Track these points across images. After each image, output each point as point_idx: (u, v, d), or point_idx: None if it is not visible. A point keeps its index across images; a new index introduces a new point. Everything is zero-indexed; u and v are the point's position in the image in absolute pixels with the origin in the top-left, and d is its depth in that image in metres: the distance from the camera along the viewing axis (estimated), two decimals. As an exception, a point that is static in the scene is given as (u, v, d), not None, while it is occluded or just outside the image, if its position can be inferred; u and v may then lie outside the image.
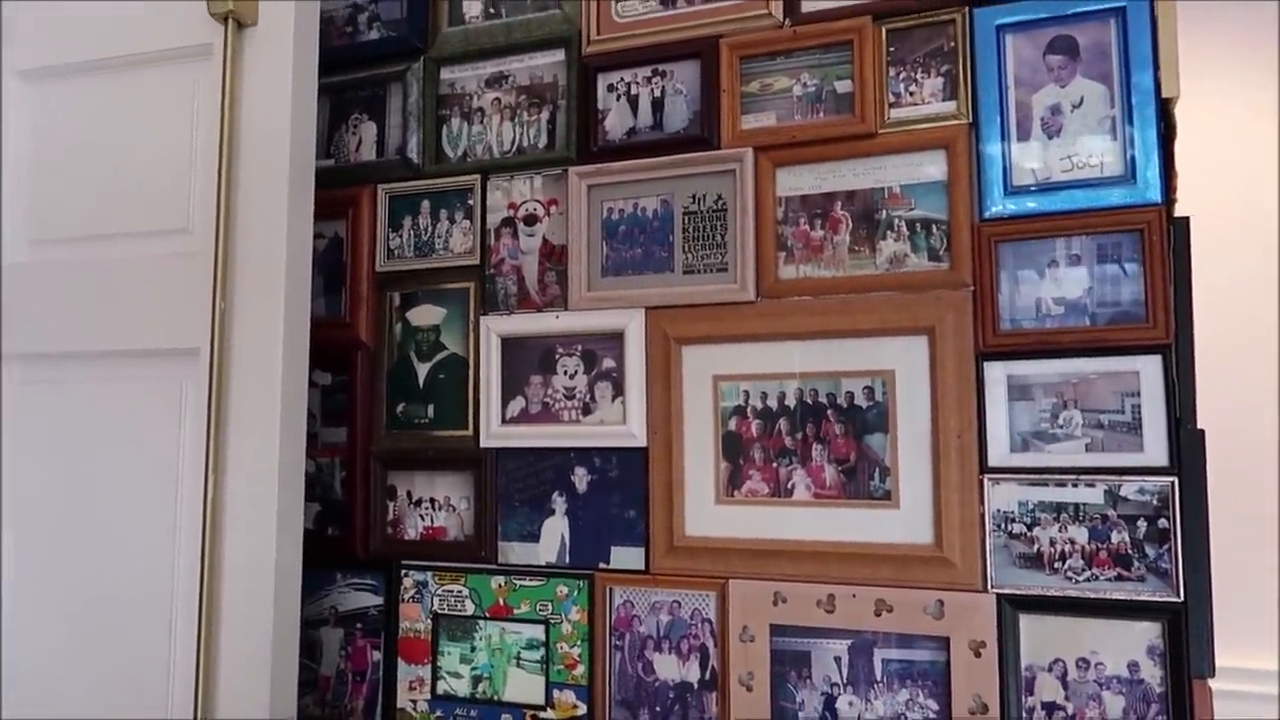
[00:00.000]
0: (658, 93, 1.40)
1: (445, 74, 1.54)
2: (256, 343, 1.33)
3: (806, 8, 1.33)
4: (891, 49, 1.29)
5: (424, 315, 1.51)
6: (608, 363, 1.39)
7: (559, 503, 1.39)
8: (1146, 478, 1.12)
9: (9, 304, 1.49)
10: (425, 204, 1.53)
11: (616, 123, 1.42)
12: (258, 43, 1.38)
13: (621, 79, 1.42)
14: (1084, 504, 1.14)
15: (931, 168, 1.25)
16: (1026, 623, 1.16)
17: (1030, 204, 1.20)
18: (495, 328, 1.45)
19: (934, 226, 1.25)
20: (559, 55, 1.47)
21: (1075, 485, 1.14)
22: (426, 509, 1.48)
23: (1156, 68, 1.16)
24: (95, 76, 1.50)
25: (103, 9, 1.48)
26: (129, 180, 1.45)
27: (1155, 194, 1.15)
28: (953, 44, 1.26)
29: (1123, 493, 1.13)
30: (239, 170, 1.36)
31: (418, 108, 1.54)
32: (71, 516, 1.42)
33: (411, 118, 1.54)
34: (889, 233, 1.27)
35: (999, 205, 1.21)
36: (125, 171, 1.45)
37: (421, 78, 1.54)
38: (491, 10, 1.52)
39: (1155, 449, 1.12)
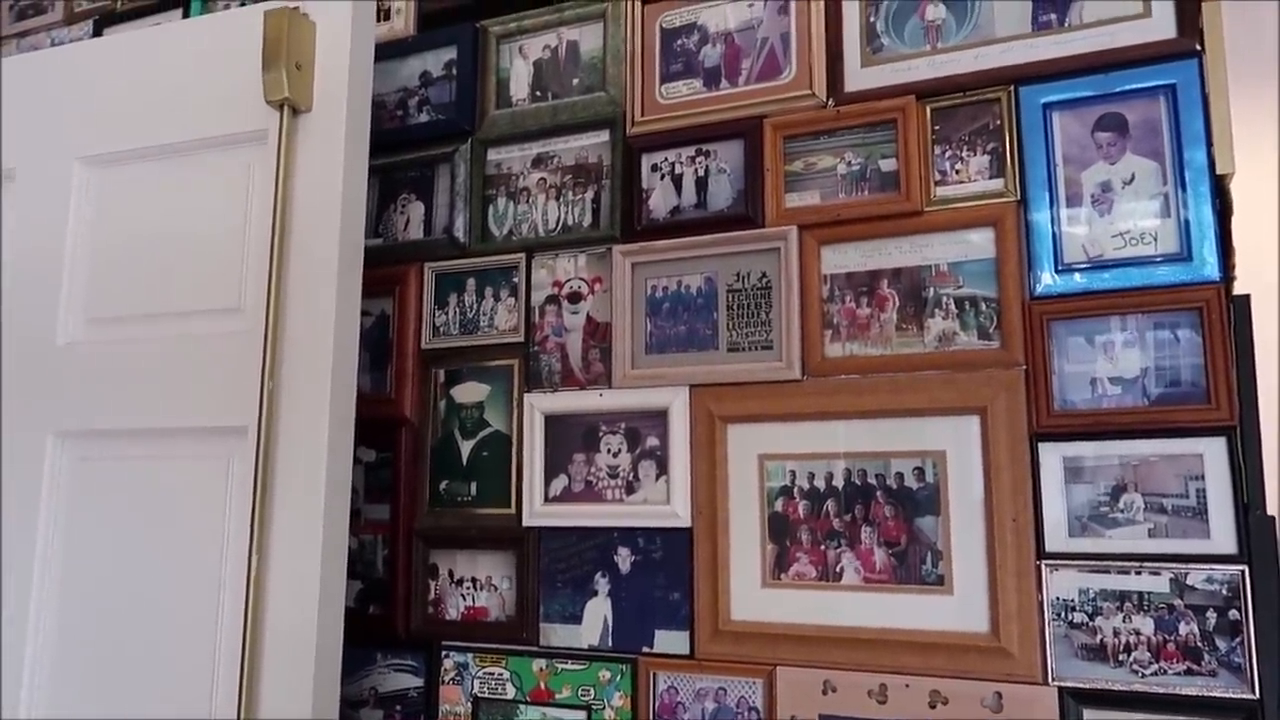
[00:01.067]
0: (701, 172, 1.41)
1: (492, 155, 1.57)
2: (303, 421, 1.34)
3: (850, 87, 1.34)
4: (936, 127, 1.28)
5: (468, 392, 1.51)
6: (651, 441, 1.37)
7: (602, 584, 1.37)
8: (1215, 566, 1.07)
9: (65, 381, 1.52)
10: (471, 282, 1.54)
11: (660, 201, 1.43)
12: (312, 128, 1.42)
13: (665, 158, 1.44)
14: (1149, 593, 1.09)
15: (979, 245, 1.24)
16: (1091, 719, 1.10)
17: (1082, 281, 1.18)
18: (539, 405, 1.45)
19: (983, 304, 1.23)
20: (604, 136, 1.49)
21: (1139, 573, 1.10)
22: (468, 588, 1.46)
23: (1210, 144, 1.15)
24: (154, 161, 1.54)
25: (162, 97, 1.53)
26: (184, 261, 1.48)
27: (1213, 271, 1.12)
28: (998, 122, 1.25)
29: (1189, 581, 1.08)
30: (290, 251, 1.39)
31: (465, 188, 1.57)
32: (118, 590, 1.43)
33: (459, 197, 1.57)
34: (937, 311, 1.25)
35: (1050, 282, 1.19)
36: (180, 252, 1.49)
37: (469, 158, 1.57)
38: (538, 93, 1.55)
39: (1223, 536, 1.07)
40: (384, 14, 1.68)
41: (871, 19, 1.35)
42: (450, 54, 1.61)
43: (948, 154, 1.27)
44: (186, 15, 1.88)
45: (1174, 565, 1.08)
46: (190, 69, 1.52)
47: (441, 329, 1.55)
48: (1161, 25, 1.19)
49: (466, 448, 1.50)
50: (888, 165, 1.30)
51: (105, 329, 1.53)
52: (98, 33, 1.98)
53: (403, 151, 1.62)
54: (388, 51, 1.64)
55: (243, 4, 1.83)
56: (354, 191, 1.41)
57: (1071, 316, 1.18)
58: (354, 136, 1.42)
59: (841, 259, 1.31)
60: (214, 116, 1.49)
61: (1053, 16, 1.25)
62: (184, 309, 1.47)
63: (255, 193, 1.45)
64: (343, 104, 1.41)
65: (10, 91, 1.66)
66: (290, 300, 1.38)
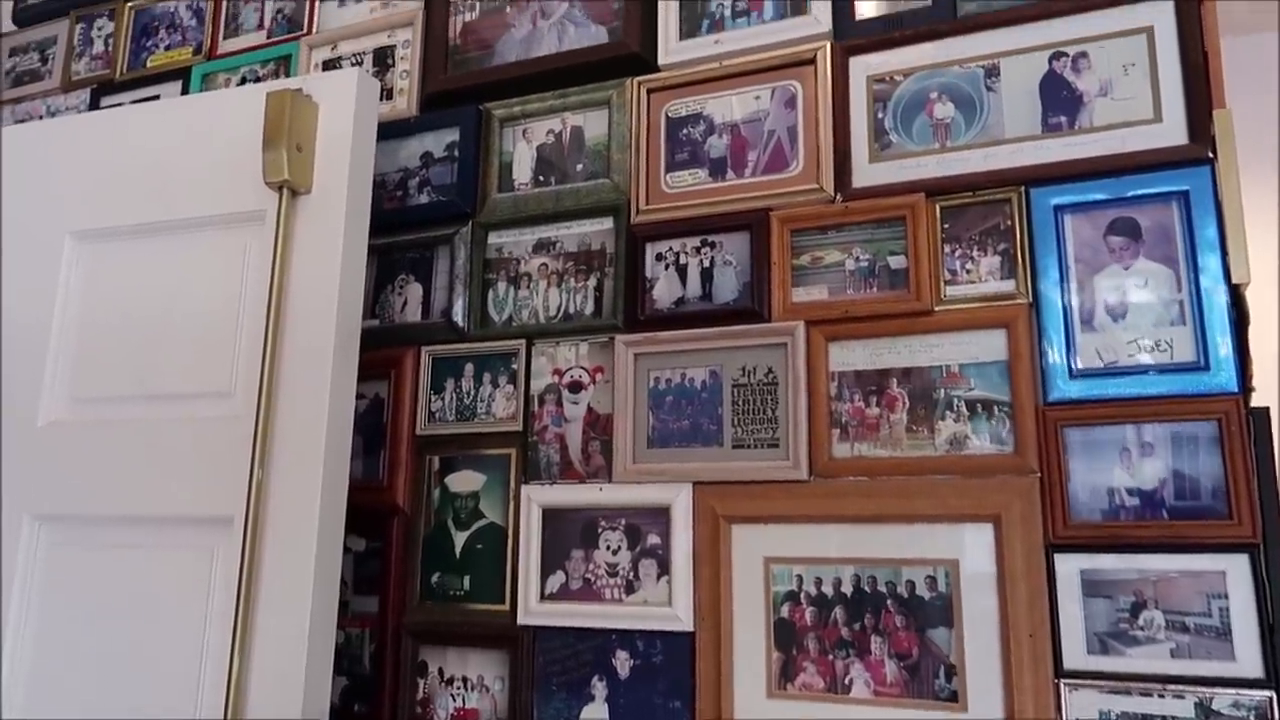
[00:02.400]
0: (707, 263, 1.39)
1: (493, 238, 1.55)
2: (293, 513, 1.29)
3: (858, 183, 1.33)
4: (946, 225, 1.27)
5: (464, 481, 1.47)
6: (653, 539, 1.33)
7: (599, 688, 1.32)
8: (1242, 691, 1.03)
9: (46, 462, 1.47)
10: (469, 367, 1.51)
11: (665, 292, 1.41)
12: (311, 211, 1.40)
13: (670, 248, 1.42)
14: (1173, 717, 1.05)
15: (991, 347, 1.22)
16: None
17: (1097, 388, 1.15)
18: (537, 497, 1.41)
19: (995, 408, 1.20)
20: (608, 223, 1.47)
21: (1162, 696, 1.06)
22: (458, 688, 1.40)
23: (1225, 252, 1.13)
24: (148, 238, 1.52)
25: (159, 174, 1.51)
26: (174, 341, 1.44)
27: (1230, 382, 1.10)
28: (1009, 222, 1.24)
29: (1215, 706, 1.04)
30: (285, 336, 1.35)
31: (465, 271, 1.54)
32: (90, 684, 1.37)
33: (458, 281, 1.54)
34: (948, 413, 1.22)
35: (1064, 388, 1.17)
36: (171, 333, 1.45)
37: (469, 241, 1.55)
38: (541, 178, 1.54)
39: (1248, 658, 1.04)
40: (386, 93, 1.67)
41: (880, 116, 1.34)
42: (453, 135, 1.60)
43: (958, 253, 1.26)
44: (186, 88, 1.86)
45: (1199, 688, 1.04)
46: (188, 146, 1.50)
47: (437, 415, 1.51)
48: (1173, 131, 1.19)
49: (460, 539, 1.45)
50: (897, 262, 1.29)
51: (89, 409, 1.48)
52: (95, 102, 1.96)
53: (402, 232, 1.60)
54: (389, 131, 1.62)
55: (243, 81, 1.82)
56: (352, 276, 1.38)
57: (1086, 423, 1.15)
58: (354, 220, 1.40)
59: (850, 356, 1.29)
60: (211, 195, 1.47)
61: (1063, 119, 1.24)
62: (172, 391, 1.43)
63: (251, 274, 1.42)
64: (343, 187, 1.39)
65: (3, 162, 1.63)
66: (283, 386, 1.34)
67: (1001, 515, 1.15)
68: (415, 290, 1.59)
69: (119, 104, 1.93)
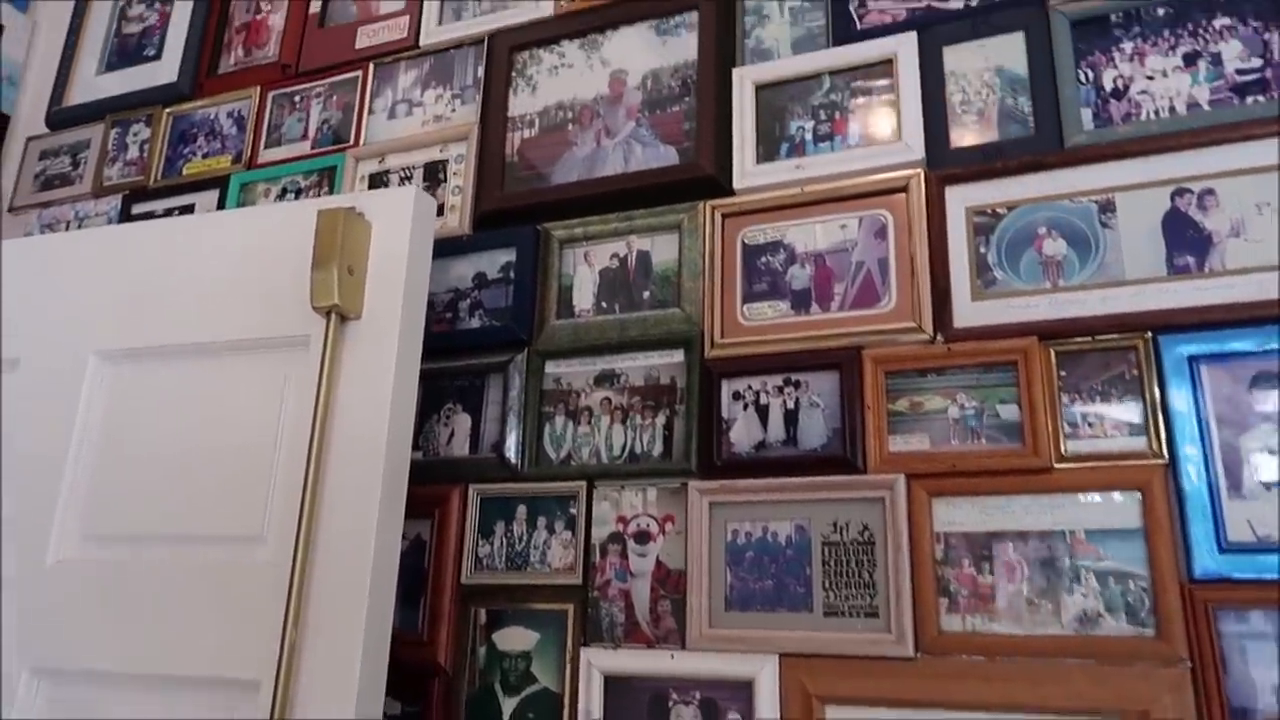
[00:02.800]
0: (791, 404, 1.27)
1: (551, 368, 1.43)
2: (327, 680, 1.14)
3: (960, 322, 1.22)
4: (1063, 373, 1.16)
5: (513, 639, 1.32)
6: (733, 717, 1.18)
7: None
8: None
9: (50, 608, 1.32)
10: (521, 509, 1.37)
11: (744, 434, 1.28)
12: (360, 338, 1.28)
13: (749, 386, 1.30)
14: None
15: (1122, 512, 1.09)
16: None
17: (1252, 567, 1.02)
18: (598, 663, 1.25)
19: (1131, 582, 1.06)
20: (677, 356, 1.36)
21: None
22: None
23: (1391, 416, 1.02)
24: (179, 361, 1.40)
25: (195, 292, 1.40)
26: (202, 477, 1.31)
27: None
28: (1135, 372, 1.12)
29: None
30: (327, 474, 1.22)
31: (519, 402, 1.42)
32: None
33: (511, 413, 1.42)
34: (1075, 586, 1.08)
35: (1211, 564, 1.03)
36: (199, 467, 1.32)
37: (525, 370, 1.43)
38: (604, 305, 1.43)
39: None
40: (437, 210, 1.58)
41: (982, 250, 1.24)
42: (508, 256, 1.50)
43: (1077, 404, 1.14)
44: (223, 197, 1.77)
45: None
46: (227, 264, 1.40)
47: (485, 561, 1.37)
48: (1317, 278, 1.09)
49: (509, 706, 1.29)
50: (1008, 412, 1.17)
51: (103, 548, 1.35)
52: (126, 209, 1.87)
53: (450, 358, 1.49)
54: (440, 249, 1.51)
55: (284, 192, 1.73)
56: (403, 410, 1.26)
57: (1242, 606, 1.01)
58: (406, 349, 1.28)
59: (957, 515, 1.16)
60: (250, 317, 1.36)
61: (1190, 260, 1.14)
62: (197, 533, 1.30)
63: (290, 405, 1.30)
64: (397, 314, 1.28)
65: (25, 273, 1.53)
66: (323, 531, 1.20)
67: (1149, 711, 1.01)
68: (463, 421, 1.46)
69: (151, 211, 1.84)
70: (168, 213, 1.83)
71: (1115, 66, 1.24)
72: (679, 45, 1.49)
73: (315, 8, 1.84)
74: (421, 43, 1.71)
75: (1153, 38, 1.23)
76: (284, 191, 1.74)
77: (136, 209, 1.87)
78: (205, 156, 1.84)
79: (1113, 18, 1.26)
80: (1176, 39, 1.22)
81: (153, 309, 1.43)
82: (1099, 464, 1.11)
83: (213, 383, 1.37)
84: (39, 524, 1.37)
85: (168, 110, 1.92)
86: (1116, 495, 1.09)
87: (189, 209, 1.81)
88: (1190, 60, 1.21)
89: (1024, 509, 1.13)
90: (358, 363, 1.27)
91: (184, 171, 1.85)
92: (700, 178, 1.40)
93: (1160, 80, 1.22)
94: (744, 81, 1.43)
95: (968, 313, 1.22)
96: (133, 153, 1.92)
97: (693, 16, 1.49)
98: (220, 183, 1.79)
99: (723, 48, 1.46)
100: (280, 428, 1.30)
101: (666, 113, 1.47)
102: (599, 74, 1.54)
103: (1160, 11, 1.24)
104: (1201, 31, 1.21)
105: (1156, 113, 1.20)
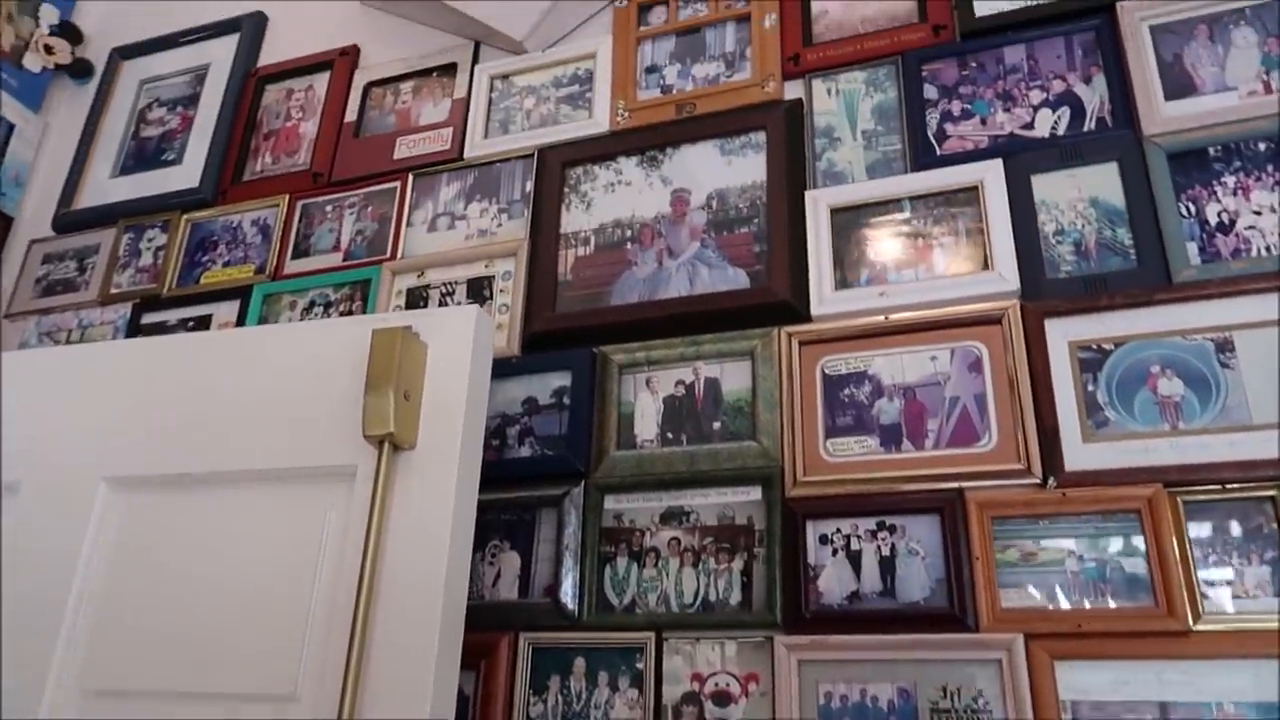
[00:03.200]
0: (886, 550, 1.17)
1: (611, 503, 1.32)
2: None
3: (1072, 465, 1.13)
4: (1191, 525, 1.07)
5: (573, 815, 1.17)
6: None
7: None
8: None
9: (37, 777, 1.15)
10: (580, 662, 1.24)
11: (834, 584, 1.17)
12: (415, 470, 1.17)
13: (838, 530, 1.19)
14: None
15: (1273, 683, 0.98)
16: None
17: None
18: (675, 847, 1.11)
19: (1294, 765, 0.95)
20: (754, 493, 1.25)
21: None
22: None
23: None
24: (200, 492, 1.27)
25: (220, 415, 1.28)
26: (223, 624, 1.17)
27: None
28: (1274, 525, 1.04)
29: None
30: (375, 622, 1.09)
31: (575, 540, 1.30)
32: None
33: (567, 552, 1.29)
34: (1231, 768, 0.97)
35: (1388, 746, 0.93)
36: (221, 613, 1.18)
37: (582, 505, 1.32)
38: (670, 435, 1.33)
39: None
40: (482, 328, 1.48)
41: (1089, 388, 1.16)
42: (563, 380, 1.40)
43: (1211, 558, 1.05)
44: (244, 309, 1.66)
45: None
46: (261, 385, 1.28)
47: (539, 722, 1.23)
48: None
49: None
50: (1133, 565, 1.07)
51: (104, 706, 1.19)
52: (135, 318, 1.75)
53: (497, 489, 1.36)
54: (486, 371, 1.42)
55: (311, 305, 1.63)
56: (460, 552, 1.14)
57: None
58: (465, 483, 1.17)
59: (1085, 681, 1.04)
60: (287, 444, 1.24)
61: (1322, 404, 1.07)
62: (217, 689, 1.15)
63: (331, 544, 1.17)
64: (456, 445, 1.16)
65: (29, 388, 1.40)
66: (369, 689, 1.06)
67: None
68: (511, 560, 1.34)
69: (163, 321, 1.73)
70: (181, 323, 1.72)
71: (1218, 200, 1.20)
72: (745, 165, 1.44)
73: (351, 117, 1.77)
74: (466, 155, 1.64)
75: (1256, 172, 1.19)
76: (312, 304, 1.63)
77: (147, 318, 1.75)
78: (226, 265, 1.74)
79: (1211, 151, 1.22)
80: (1281, 175, 1.18)
81: (172, 432, 1.30)
82: (1243, 627, 1.01)
83: (240, 517, 1.23)
84: (32, 675, 1.21)
85: (186, 216, 1.82)
86: (1265, 664, 0.99)
87: (205, 320, 1.70)
88: (1299, 196, 1.17)
89: (1160, 677, 1.02)
90: (412, 498, 1.15)
91: (201, 280, 1.75)
92: (775, 303, 1.33)
93: (1268, 215, 1.17)
94: (818, 204, 1.37)
95: (1080, 455, 1.13)
96: (146, 259, 1.82)
97: (760, 137, 1.44)
98: (242, 293, 1.69)
99: (793, 169, 1.40)
100: (319, 569, 1.16)
101: (734, 234, 1.40)
102: (659, 192, 1.48)
103: (1261, 146, 1.20)
104: (1308, 167, 1.18)
105: (1268, 249, 1.15)
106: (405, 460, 1.17)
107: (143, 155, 1.96)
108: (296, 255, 1.70)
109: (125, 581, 1.25)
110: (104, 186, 1.95)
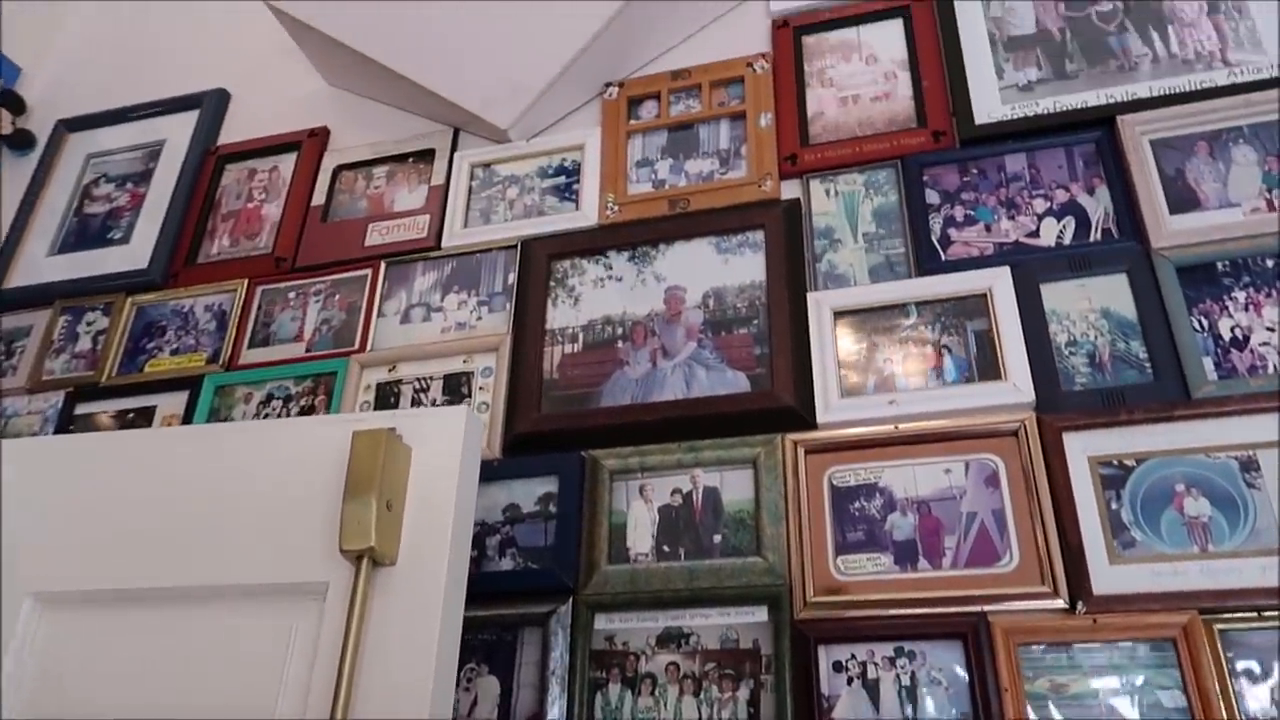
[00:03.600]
0: (906, 679, 1.09)
1: (602, 623, 1.21)
2: None
3: (1100, 589, 1.07)
4: (1229, 654, 1.01)
5: None
6: None
7: None
8: None
9: None
10: (570, 805, 1.12)
11: (851, 715, 1.08)
12: (395, 587, 1.05)
13: (853, 656, 1.11)
14: None
15: (1335, 832, 0.92)
16: None
17: None
18: None
19: None
20: (760, 614, 1.17)
21: None
22: None
23: None
24: (141, 609, 1.13)
25: (167, 525, 1.15)
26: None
27: None
28: (1317, 657, 0.99)
29: None
30: (346, 768, 0.96)
31: (562, 665, 1.19)
32: None
33: (553, 678, 1.18)
34: None
35: None
36: (166, 751, 1.03)
37: (569, 625, 1.21)
38: (666, 549, 1.24)
39: None
40: (459, 428, 1.38)
41: (1113, 506, 1.12)
42: (549, 486, 1.31)
43: (1251, 692, 0.99)
44: (194, 399, 1.54)
45: None
46: (220, 491, 1.16)
47: None
48: None
49: None
50: (1170, 699, 1.01)
51: None
52: (68, 407, 1.61)
53: (475, 606, 1.23)
54: (464, 475, 1.32)
55: (269, 398, 1.51)
56: (445, 680, 1.03)
57: None
58: (450, 604, 1.06)
59: (1130, 830, 0.97)
60: (247, 558, 1.11)
61: (1353, 529, 1.04)
62: (156, 844, 0.99)
63: (295, 670, 1.04)
64: (443, 562, 1.06)
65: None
66: None
67: None
68: (490, 686, 1.22)
69: (101, 412, 1.59)
70: (120, 414, 1.58)
71: (1230, 315, 1.18)
72: (743, 264, 1.39)
73: (319, 200, 1.69)
74: (444, 244, 1.56)
75: (1266, 288, 1.19)
76: (269, 398, 1.52)
77: (82, 409, 1.61)
78: (175, 353, 1.62)
79: (1220, 265, 1.21)
80: (1291, 292, 1.17)
81: (111, 542, 1.16)
82: (1296, 769, 0.95)
83: (190, 639, 1.10)
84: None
85: (132, 299, 1.70)
86: (1324, 810, 0.93)
87: (148, 412, 1.57)
88: (1310, 314, 1.16)
89: (1212, 823, 0.95)
90: (391, 621, 1.03)
91: (146, 368, 1.62)
92: (779, 408, 1.26)
93: (1282, 332, 1.16)
94: (821, 307, 1.32)
95: (1107, 577, 1.08)
96: (84, 344, 1.68)
97: (758, 236, 1.40)
98: (191, 383, 1.56)
99: (793, 270, 1.36)
100: (280, 701, 1.03)
101: (733, 334, 1.35)
102: (652, 289, 1.42)
103: (1269, 263, 1.20)
104: (1316, 285, 1.17)
105: (1285, 366, 1.14)
106: (385, 577, 1.06)
107: (86, 233, 1.83)
108: (254, 344, 1.58)
109: (49, 712, 1.09)
110: (39, 265, 1.82)
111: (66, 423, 1.59)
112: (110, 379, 1.62)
